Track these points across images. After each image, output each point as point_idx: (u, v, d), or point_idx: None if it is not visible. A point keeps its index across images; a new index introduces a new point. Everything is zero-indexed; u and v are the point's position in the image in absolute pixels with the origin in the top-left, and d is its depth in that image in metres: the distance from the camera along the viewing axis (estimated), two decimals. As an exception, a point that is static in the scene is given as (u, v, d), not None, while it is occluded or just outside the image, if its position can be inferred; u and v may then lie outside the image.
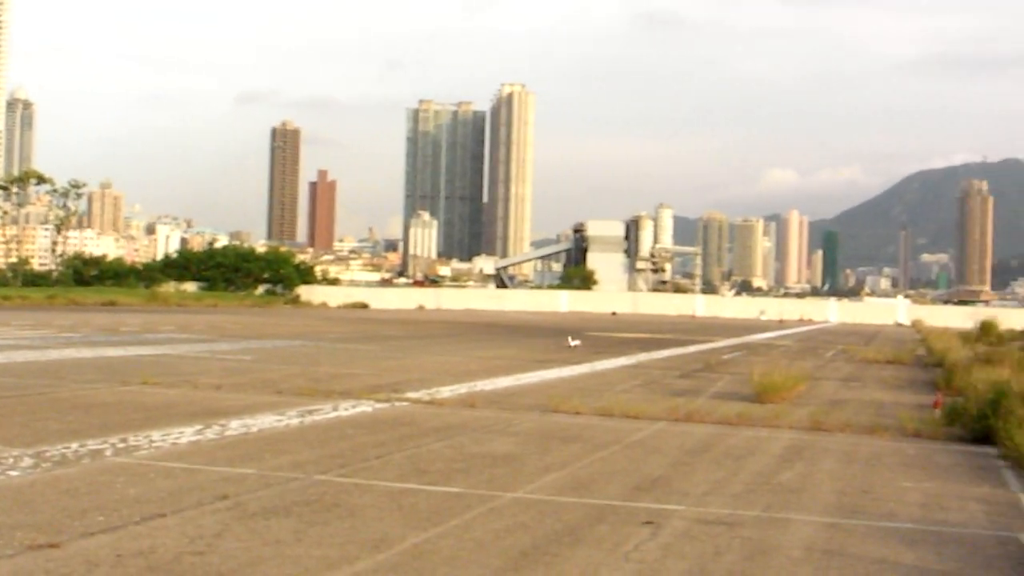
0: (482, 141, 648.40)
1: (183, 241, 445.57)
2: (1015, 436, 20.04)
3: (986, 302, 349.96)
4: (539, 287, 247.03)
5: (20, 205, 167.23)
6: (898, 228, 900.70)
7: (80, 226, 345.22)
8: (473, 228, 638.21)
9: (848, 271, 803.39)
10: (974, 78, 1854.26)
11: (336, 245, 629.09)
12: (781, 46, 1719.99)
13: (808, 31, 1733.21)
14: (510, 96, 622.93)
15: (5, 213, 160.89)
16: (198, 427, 20.43)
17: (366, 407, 24.61)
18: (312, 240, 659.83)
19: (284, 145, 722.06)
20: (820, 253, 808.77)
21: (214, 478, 15.50)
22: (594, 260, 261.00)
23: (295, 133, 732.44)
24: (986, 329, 76.01)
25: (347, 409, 24.08)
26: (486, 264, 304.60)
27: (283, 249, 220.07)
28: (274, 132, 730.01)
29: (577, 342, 56.93)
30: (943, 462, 20.16)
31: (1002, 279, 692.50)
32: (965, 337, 67.11)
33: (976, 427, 23.00)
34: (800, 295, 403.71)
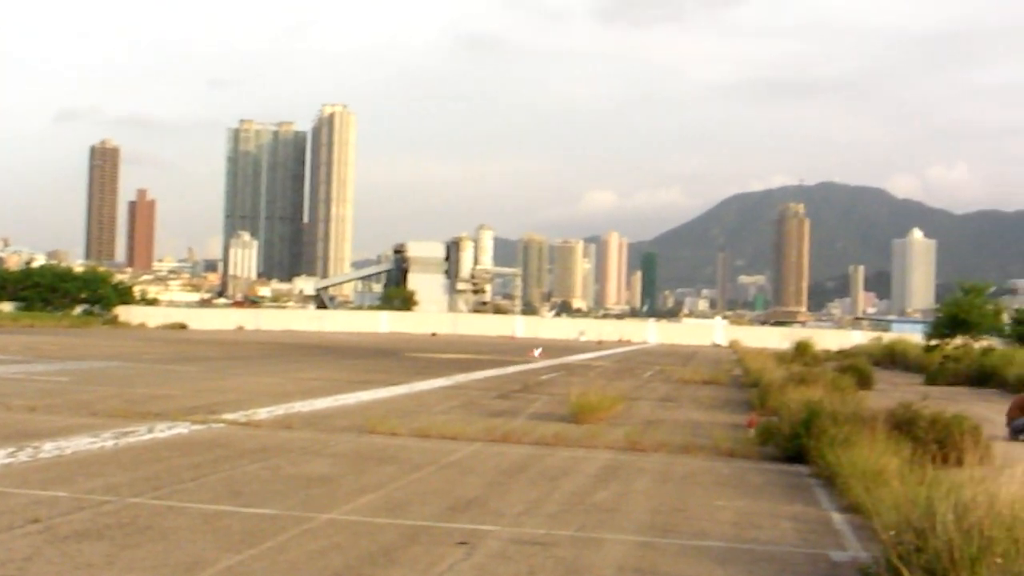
0: (303, 161, 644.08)
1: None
2: (826, 455, 20.50)
3: (802, 323, 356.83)
4: (360, 308, 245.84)
5: None
6: (716, 250, 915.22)
7: None
8: (294, 249, 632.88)
9: (667, 292, 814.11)
10: (790, 102, 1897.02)
11: (155, 265, 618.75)
12: (600, 68, 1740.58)
13: (626, 54, 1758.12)
14: (331, 116, 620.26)
15: None
16: (10, 449, 20.03)
17: (182, 429, 24.34)
18: (131, 260, 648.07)
19: (103, 164, 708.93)
20: (639, 274, 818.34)
21: (25, 501, 15.23)
22: (415, 281, 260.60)
23: (114, 152, 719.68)
24: (801, 349, 77.69)
25: (163, 431, 23.79)
26: (307, 285, 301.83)
27: (101, 269, 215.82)
28: (93, 150, 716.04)
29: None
30: (756, 481, 20.58)
31: (818, 301, 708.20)
32: (781, 357, 68.52)
33: (789, 446, 23.50)
34: (620, 316, 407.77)
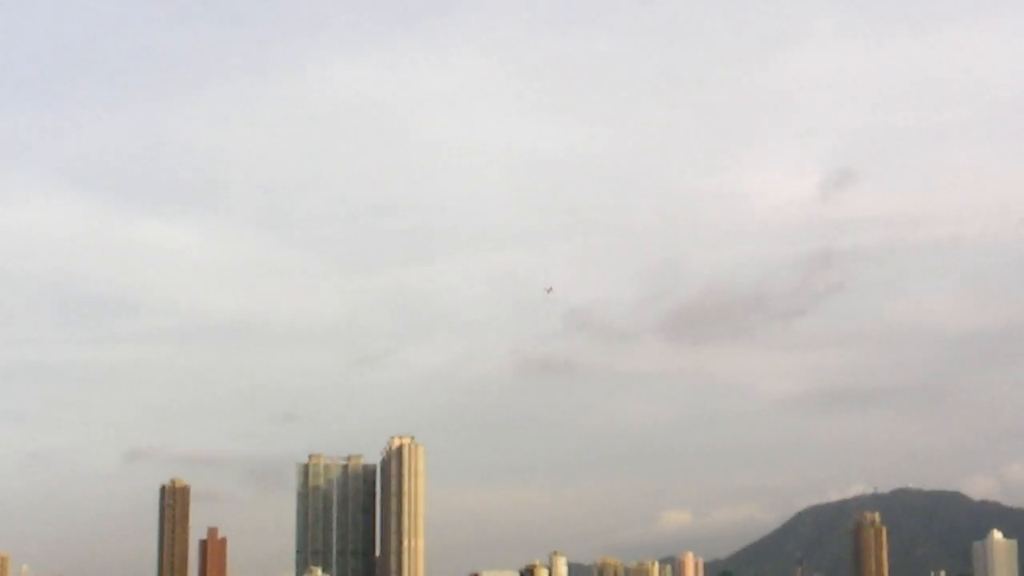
0: (373, 494, 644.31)
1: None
2: None
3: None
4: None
5: None
6: (794, 564, 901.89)
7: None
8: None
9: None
10: (858, 410, 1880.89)
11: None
12: (668, 387, 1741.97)
13: (693, 372, 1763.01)
14: (399, 448, 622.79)
15: None
16: None
17: None
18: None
19: (173, 503, 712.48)
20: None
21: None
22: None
23: (184, 490, 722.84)
24: None
25: None
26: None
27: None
28: (163, 490, 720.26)
29: None
30: None
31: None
32: None
33: None
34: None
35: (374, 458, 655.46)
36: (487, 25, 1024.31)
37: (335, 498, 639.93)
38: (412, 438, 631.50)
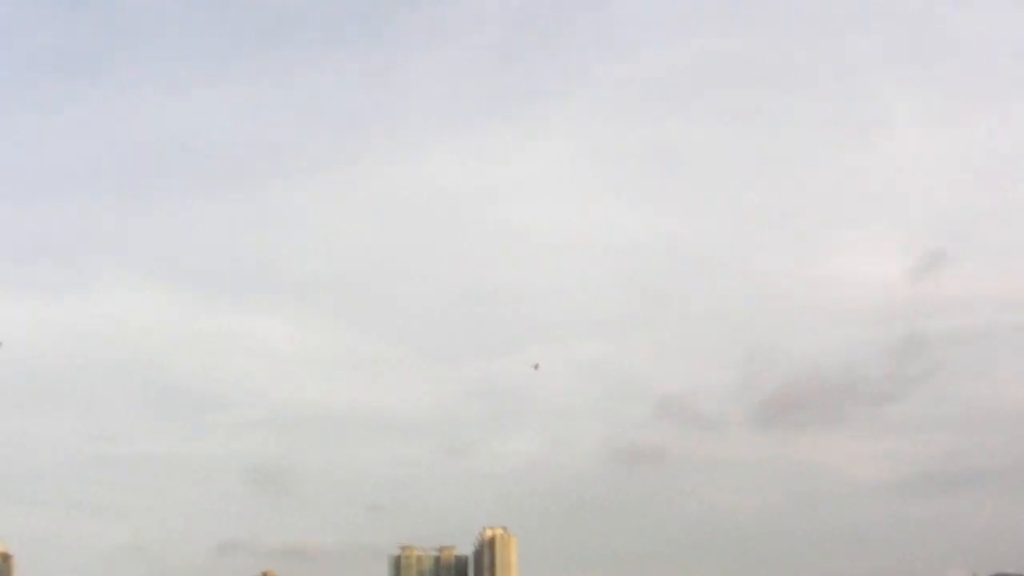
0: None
1: None
2: None
3: None
4: None
5: None
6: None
7: None
8: None
9: None
10: (954, 494, 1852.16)
11: None
12: (758, 473, 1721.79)
13: (783, 459, 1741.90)
14: (492, 539, 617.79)
15: None
16: None
17: None
18: None
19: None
20: None
21: None
22: None
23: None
24: None
25: None
26: None
27: None
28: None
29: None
30: None
31: None
32: None
33: None
34: None
35: (466, 549, 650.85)
36: (573, 111, 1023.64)
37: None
38: (504, 528, 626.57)
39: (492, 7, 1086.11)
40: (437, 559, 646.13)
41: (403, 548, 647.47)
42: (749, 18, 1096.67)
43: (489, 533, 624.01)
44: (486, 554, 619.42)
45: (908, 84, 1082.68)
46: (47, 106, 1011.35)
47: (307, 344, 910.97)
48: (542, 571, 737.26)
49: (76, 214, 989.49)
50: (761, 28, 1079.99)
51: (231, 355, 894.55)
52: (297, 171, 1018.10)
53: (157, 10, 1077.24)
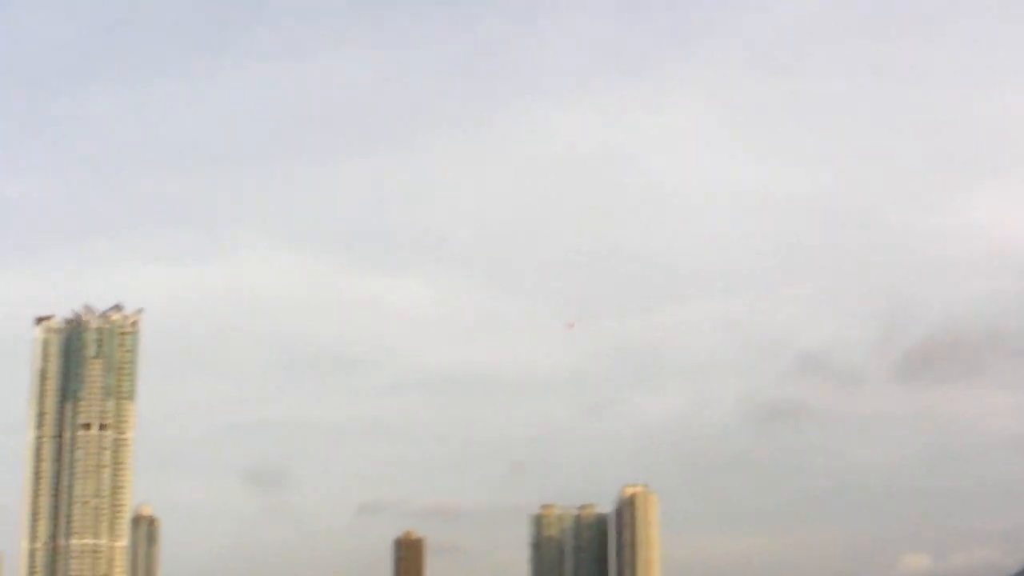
0: (606, 544, 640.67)
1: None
2: None
3: None
4: None
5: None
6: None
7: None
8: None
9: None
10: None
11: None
12: (899, 428, 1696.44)
13: (925, 413, 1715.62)
14: (632, 497, 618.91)
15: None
16: None
17: None
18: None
19: (407, 555, 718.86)
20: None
21: None
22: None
23: (418, 543, 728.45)
24: None
25: None
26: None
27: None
28: (397, 542, 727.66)
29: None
30: None
31: None
32: None
33: None
34: None
35: (606, 507, 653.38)
36: (703, 69, 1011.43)
37: (568, 548, 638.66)
38: (645, 486, 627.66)
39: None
40: (578, 517, 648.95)
41: (544, 507, 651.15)
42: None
43: (629, 491, 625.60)
44: (626, 512, 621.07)
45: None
46: (189, 76, 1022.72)
47: (447, 306, 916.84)
48: (683, 529, 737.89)
49: (217, 181, 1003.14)
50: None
51: (370, 319, 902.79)
52: (434, 135, 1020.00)
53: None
